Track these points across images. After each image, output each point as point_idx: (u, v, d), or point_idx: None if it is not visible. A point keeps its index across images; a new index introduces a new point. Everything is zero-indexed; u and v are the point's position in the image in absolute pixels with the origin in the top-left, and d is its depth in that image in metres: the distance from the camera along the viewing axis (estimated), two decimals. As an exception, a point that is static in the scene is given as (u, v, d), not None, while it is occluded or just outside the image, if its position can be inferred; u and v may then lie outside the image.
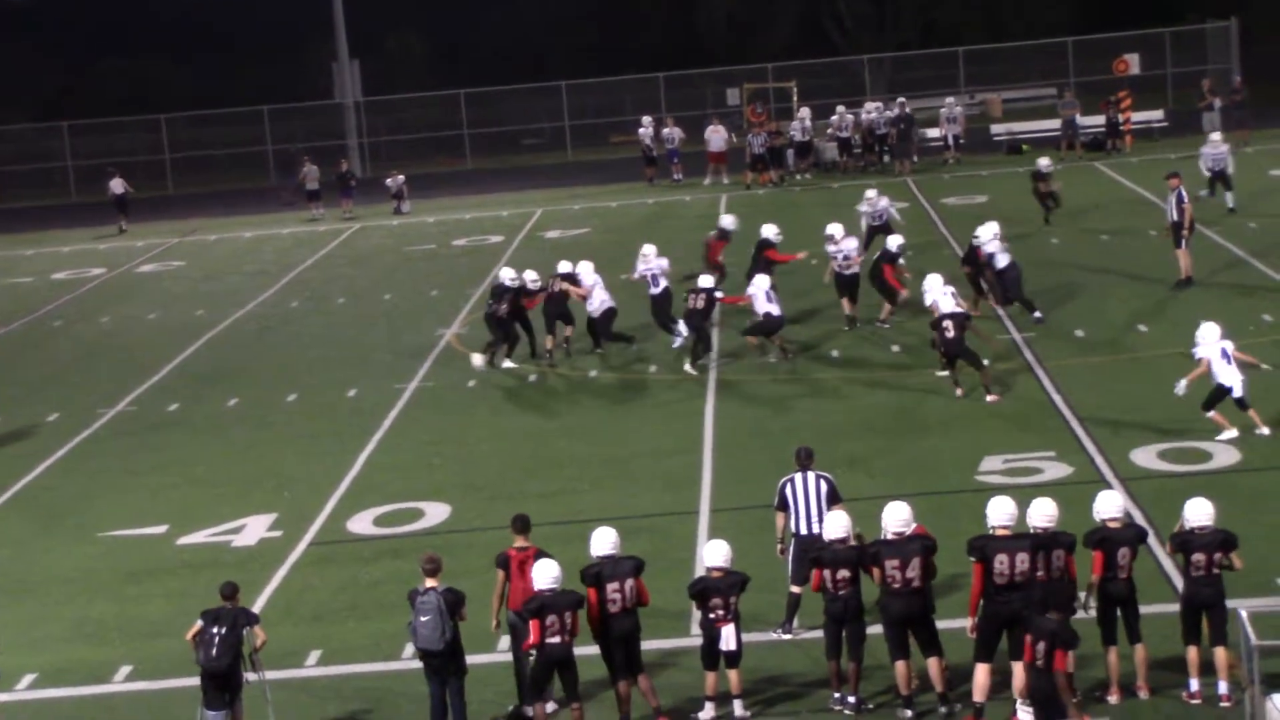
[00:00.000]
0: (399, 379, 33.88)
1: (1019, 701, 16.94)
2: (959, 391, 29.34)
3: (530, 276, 34.23)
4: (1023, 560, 17.06)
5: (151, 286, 48.18)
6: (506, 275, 34.27)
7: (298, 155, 64.42)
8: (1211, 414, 25.75)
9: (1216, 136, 44.11)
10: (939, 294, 30.19)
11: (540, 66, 79.50)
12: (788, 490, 19.91)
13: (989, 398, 29.03)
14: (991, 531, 17.37)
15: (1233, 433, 25.55)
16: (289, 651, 20.42)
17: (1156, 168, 49.08)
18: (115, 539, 25.82)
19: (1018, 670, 17.07)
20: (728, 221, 38.70)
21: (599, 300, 34.10)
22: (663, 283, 34.29)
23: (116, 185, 60.26)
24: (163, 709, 19.34)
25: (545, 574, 17.52)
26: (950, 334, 29.38)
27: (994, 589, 17.12)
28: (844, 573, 17.74)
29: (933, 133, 60.77)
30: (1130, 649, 17.42)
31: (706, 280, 33.17)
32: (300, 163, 60.07)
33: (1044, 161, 44.95)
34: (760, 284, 32.38)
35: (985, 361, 29.52)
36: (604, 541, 17.88)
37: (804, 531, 19.62)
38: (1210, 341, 25.80)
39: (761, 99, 66.59)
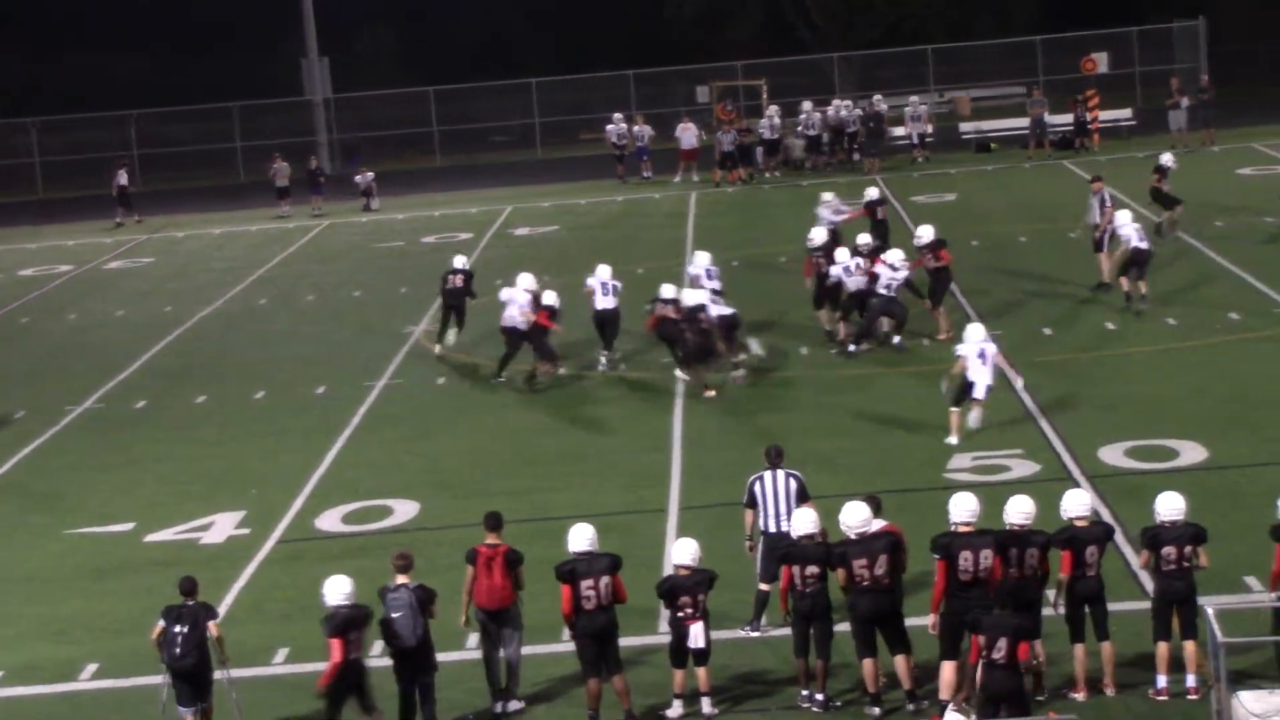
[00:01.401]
0: (368, 376, 33.85)
1: (950, 706, 16.92)
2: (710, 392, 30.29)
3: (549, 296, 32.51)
4: (986, 556, 17.13)
5: (119, 283, 48.05)
6: (458, 260, 34.40)
7: (356, 150, 65.12)
8: (953, 411, 26.44)
9: None
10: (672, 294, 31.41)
11: (510, 64, 79.42)
12: (757, 487, 19.94)
13: (708, 394, 30.17)
14: (954, 528, 17.42)
15: (954, 439, 26.21)
16: (257, 649, 20.41)
17: (1124, 167, 49.31)
18: (83, 536, 25.76)
19: (946, 670, 17.11)
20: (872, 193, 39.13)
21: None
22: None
23: (121, 177, 59.90)
24: (130, 707, 19.29)
25: (337, 590, 17.45)
26: (690, 334, 30.26)
27: (958, 586, 17.18)
28: (812, 569, 17.77)
29: (898, 131, 60.81)
30: (1098, 646, 17.47)
31: (667, 290, 32.06)
32: (273, 159, 59.96)
33: (1167, 157, 41.86)
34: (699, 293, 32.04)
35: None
36: (581, 538, 17.87)
37: (772, 529, 19.66)
38: (973, 341, 26.51)
39: (731, 97, 66.66)
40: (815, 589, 17.80)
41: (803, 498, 19.65)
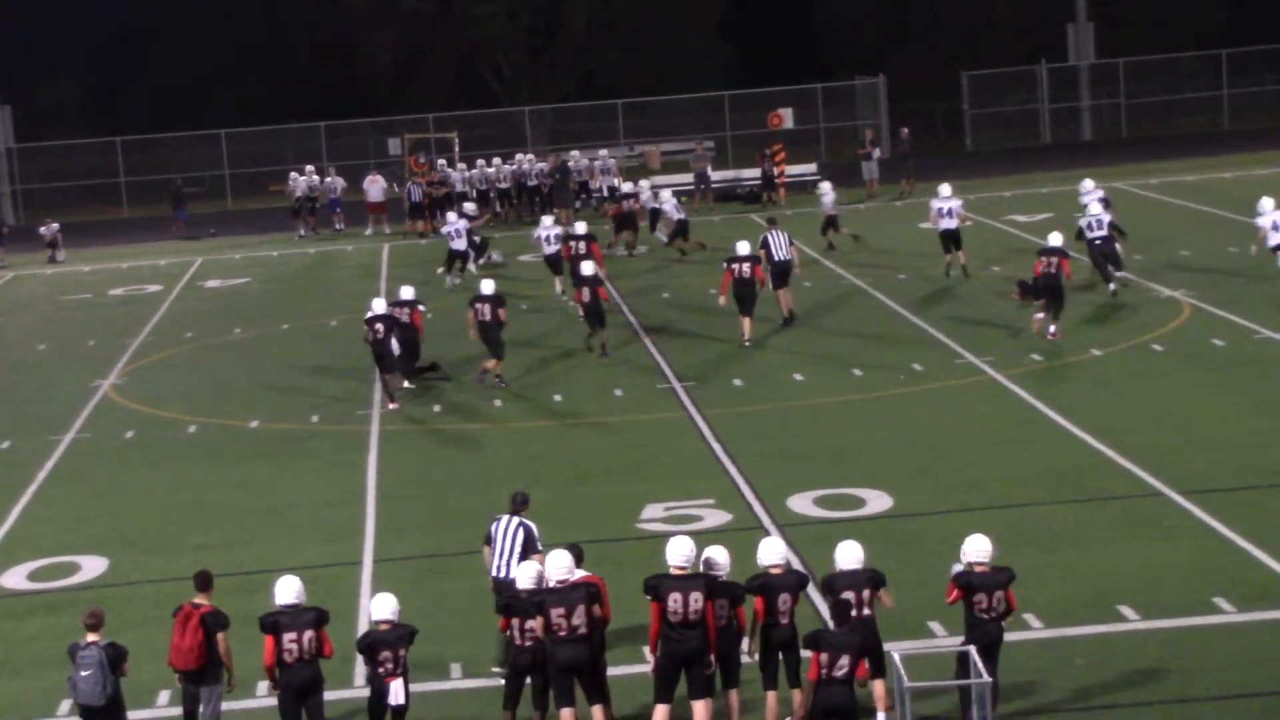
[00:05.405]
0: (54, 431, 33.19)
1: None
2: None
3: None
4: (696, 600, 17.31)
5: None
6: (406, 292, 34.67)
7: (179, 188, 63.70)
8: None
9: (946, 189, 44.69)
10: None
11: (200, 114, 78.50)
12: (493, 528, 20.06)
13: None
14: (670, 570, 17.59)
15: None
16: (-61, 712, 19.92)
17: (809, 220, 50.24)
18: None
19: (699, 710, 17.36)
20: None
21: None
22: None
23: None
24: None
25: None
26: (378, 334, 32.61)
27: (669, 627, 17.36)
28: (531, 624, 17.79)
29: (591, 184, 61.19)
30: (789, 693, 17.75)
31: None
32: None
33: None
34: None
35: None
36: (287, 591, 17.63)
37: (498, 575, 19.72)
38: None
39: (423, 149, 66.66)
40: (535, 643, 17.81)
41: (529, 548, 19.65)
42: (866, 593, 17.68)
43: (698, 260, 47.45)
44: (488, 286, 34.37)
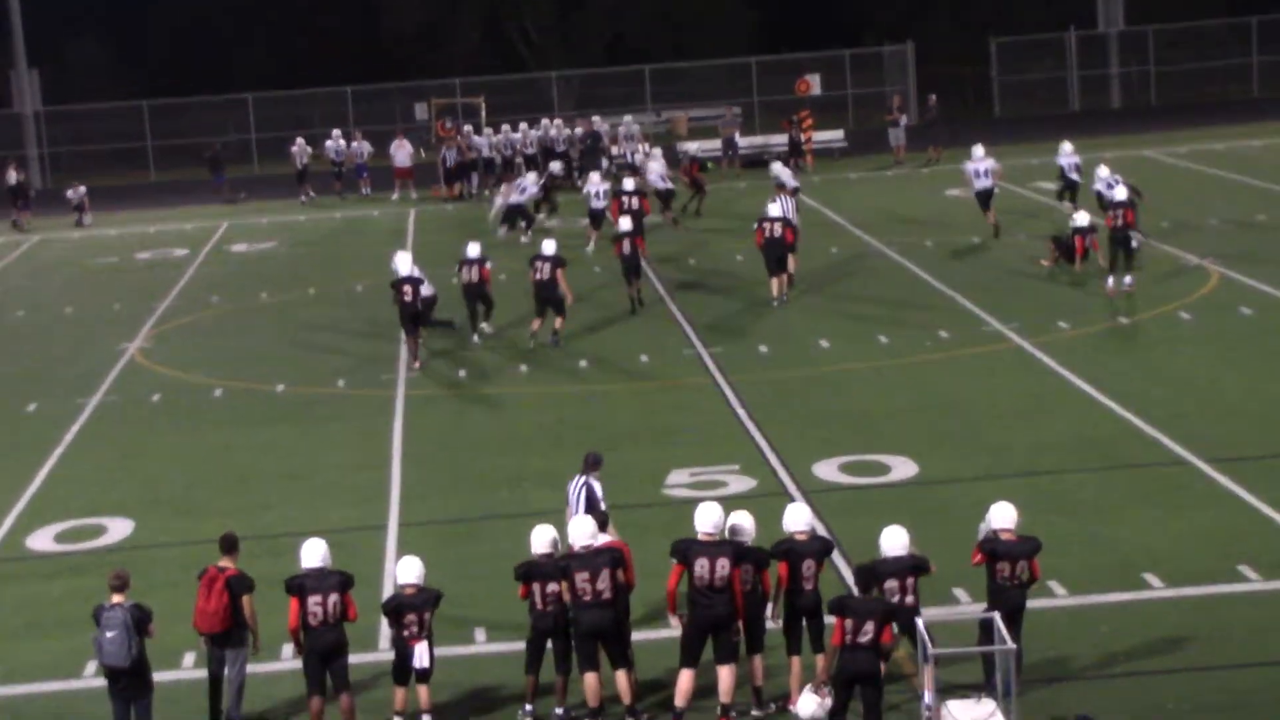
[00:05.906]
0: (81, 394, 33.25)
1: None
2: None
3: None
4: (723, 566, 17.26)
5: None
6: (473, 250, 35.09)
7: (217, 153, 63.97)
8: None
9: (1068, 147, 44.41)
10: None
11: (227, 78, 78.47)
12: (569, 487, 20.34)
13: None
14: (698, 536, 17.57)
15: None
16: (-33, 672, 19.98)
17: (837, 187, 50.18)
18: None
19: (724, 674, 17.37)
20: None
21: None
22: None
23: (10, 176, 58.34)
24: None
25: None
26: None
27: (696, 593, 17.36)
28: (553, 587, 17.78)
29: (614, 150, 61.12)
30: (813, 659, 17.74)
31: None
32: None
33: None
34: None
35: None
36: (313, 554, 17.69)
37: None
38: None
39: (450, 114, 66.61)
40: (555, 607, 17.83)
41: (591, 509, 19.64)
42: (910, 580, 17.50)
43: (724, 229, 47.35)
44: (549, 247, 34.41)
